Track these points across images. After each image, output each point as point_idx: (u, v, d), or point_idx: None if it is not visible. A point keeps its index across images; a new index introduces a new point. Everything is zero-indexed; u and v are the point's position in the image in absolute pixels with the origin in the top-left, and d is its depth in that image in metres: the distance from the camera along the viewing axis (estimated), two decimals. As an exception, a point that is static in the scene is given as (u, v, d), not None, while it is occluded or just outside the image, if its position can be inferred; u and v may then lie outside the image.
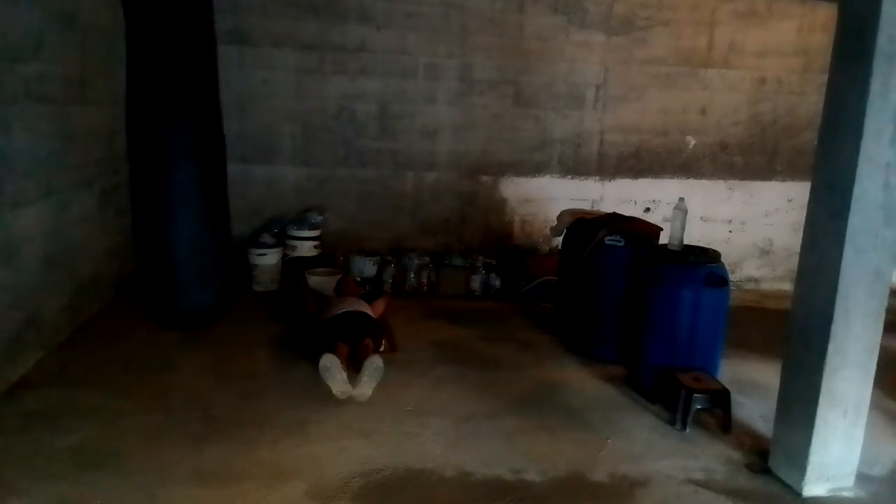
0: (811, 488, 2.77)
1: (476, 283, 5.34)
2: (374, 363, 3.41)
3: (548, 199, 5.65)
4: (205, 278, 4.11)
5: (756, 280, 6.14)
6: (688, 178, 5.88)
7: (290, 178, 5.37)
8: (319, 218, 5.29)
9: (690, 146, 5.85)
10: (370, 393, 3.37)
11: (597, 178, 5.78)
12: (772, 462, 2.94)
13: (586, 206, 5.61)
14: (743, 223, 6.05)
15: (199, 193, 4.04)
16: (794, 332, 2.83)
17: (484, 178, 5.62)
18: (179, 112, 3.93)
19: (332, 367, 3.34)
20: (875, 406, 2.91)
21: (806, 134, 5.84)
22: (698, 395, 3.26)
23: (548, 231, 5.28)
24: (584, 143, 5.70)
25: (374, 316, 3.99)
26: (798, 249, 2.83)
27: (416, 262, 5.36)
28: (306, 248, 5.22)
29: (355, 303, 4.03)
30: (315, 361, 3.41)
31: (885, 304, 2.69)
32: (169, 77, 3.89)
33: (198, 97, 4.01)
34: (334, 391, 3.32)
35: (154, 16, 3.86)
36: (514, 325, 4.76)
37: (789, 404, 2.86)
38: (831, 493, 2.78)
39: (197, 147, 4.01)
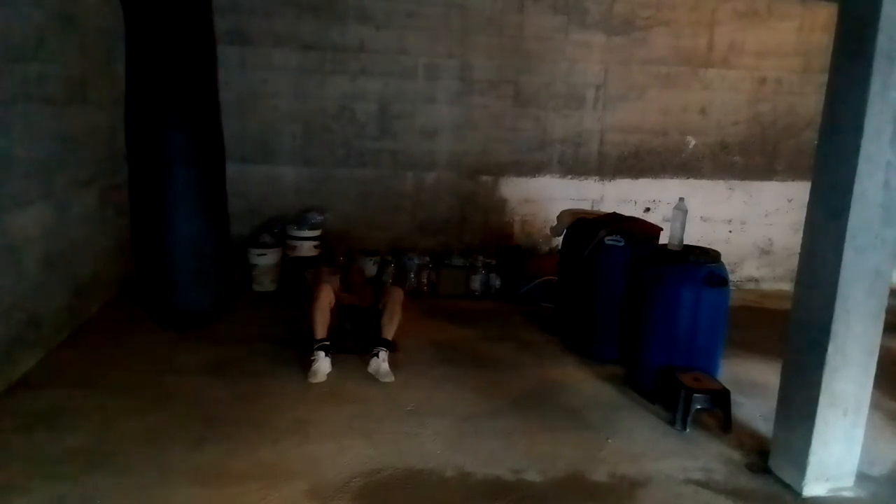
0: (811, 488, 2.77)
1: (476, 283, 5.34)
2: (386, 378, 3.65)
3: (548, 199, 5.65)
4: (203, 279, 4.11)
5: (756, 280, 6.13)
6: (688, 178, 5.88)
7: (290, 178, 5.37)
8: (319, 218, 5.29)
9: (690, 146, 5.85)
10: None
11: (597, 178, 5.77)
12: (772, 462, 2.94)
13: (586, 206, 5.61)
14: (743, 223, 6.05)
15: (198, 194, 4.04)
16: (794, 332, 2.83)
17: (484, 178, 5.62)
18: (178, 113, 3.92)
19: (322, 368, 3.62)
20: (875, 406, 2.91)
21: (806, 134, 5.84)
22: (698, 395, 3.26)
23: (548, 231, 5.28)
24: (584, 143, 5.70)
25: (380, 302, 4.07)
26: (798, 249, 2.83)
27: (416, 262, 5.36)
28: (306, 248, 5.21)
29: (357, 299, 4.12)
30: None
31: (885, 304, 2.69)
32: (167, 78, 3.87)
33: (196, 98, 4.00)
34: (311, 375, 3.62)
35: (153, 16, 3.85)
36: (514, 325, 4.76)
37: (789, 404, 2.86)
38: (831, 493, 2.78)
39: (195, 148, 4.00)
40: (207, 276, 4.12)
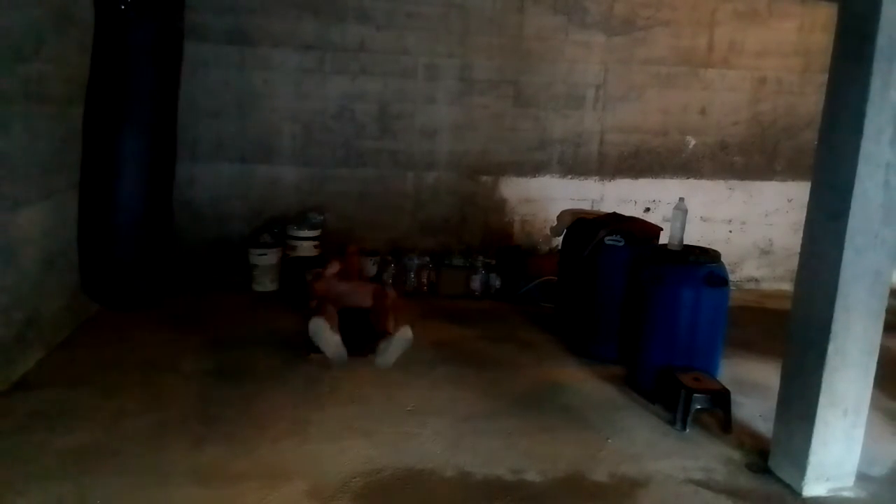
0: (811, 488, 2.77)
1: (476, 283, 5.34)
2: (406, 335, 3.63)
3: (548, 199, 5.65)
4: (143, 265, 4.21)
5: (756, 280, 6.13)
6: (688, 178, 5.88)
7: (290, 178, 5.37)
8: (319, 218, 5.29)
9: (690, 146, 5.85)
10: (392, 362, 3.62)
11: (597, 178, 5.77)
12: (772, 462, 2.94)
13: (586, 206, 5.61)
14: (743, 223, 6.05)
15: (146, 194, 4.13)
16: (794, 332, 2.84)
17: (484, 178, 5.62)
18: (131, 114, 4.00)
19: (320, 330, 3.53)
20: (875, 406, 2.91)
21: (806, 134, 5.84)
22: (698, 395, 3.26)
23: (548, 231, 5.28)
24: (584, 143, 5.70)
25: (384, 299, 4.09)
26: (798, 249, 2.83)
27: (416, 262, 5.36)
28: (306, 248, 5.21)
29: (357, 294, 4.12)
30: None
31: (885, 304, 2.69)
32: (122, 80, 3.92)
33: (152, 102, 4.06)
34: (329, 354, 3.52)
35: (117, 20, 3.88)
36: (514, 325, 4.76)
37: (789, 404, 2.86)
38: (831, 493, 2.78)
39: (147, 149, 4.10)
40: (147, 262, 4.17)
